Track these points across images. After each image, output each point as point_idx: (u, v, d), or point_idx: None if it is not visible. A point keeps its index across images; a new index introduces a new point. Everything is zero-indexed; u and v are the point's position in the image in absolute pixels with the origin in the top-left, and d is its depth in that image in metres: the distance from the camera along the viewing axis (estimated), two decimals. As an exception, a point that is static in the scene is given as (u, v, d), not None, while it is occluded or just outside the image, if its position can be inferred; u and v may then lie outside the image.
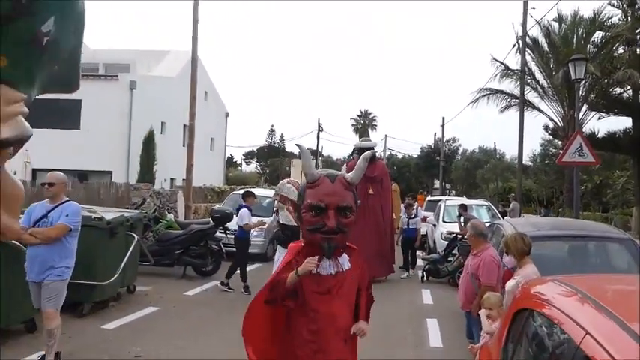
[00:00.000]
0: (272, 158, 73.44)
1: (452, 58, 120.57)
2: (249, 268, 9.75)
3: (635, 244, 5.31)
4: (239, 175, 57.00)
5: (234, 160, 78.66)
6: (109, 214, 7.41)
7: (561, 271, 4.95)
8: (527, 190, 28.58)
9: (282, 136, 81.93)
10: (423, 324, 7.61)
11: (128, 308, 7.59)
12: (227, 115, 37.00)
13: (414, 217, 11.58)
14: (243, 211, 9.19)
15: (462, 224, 11.16)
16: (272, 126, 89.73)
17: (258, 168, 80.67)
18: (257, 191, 14.43)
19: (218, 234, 10.99)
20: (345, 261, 2.79)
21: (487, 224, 11.40)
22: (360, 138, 64.77)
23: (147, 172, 17.00)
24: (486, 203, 14.44)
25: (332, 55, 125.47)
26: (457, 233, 10.99)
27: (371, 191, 11.04)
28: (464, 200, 16.57)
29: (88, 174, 21.61)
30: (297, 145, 3.18)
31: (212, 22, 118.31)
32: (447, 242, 11.55)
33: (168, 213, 11.49)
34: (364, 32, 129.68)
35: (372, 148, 11.45)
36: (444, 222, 12.99)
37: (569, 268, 5.32)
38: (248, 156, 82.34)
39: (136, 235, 7.50)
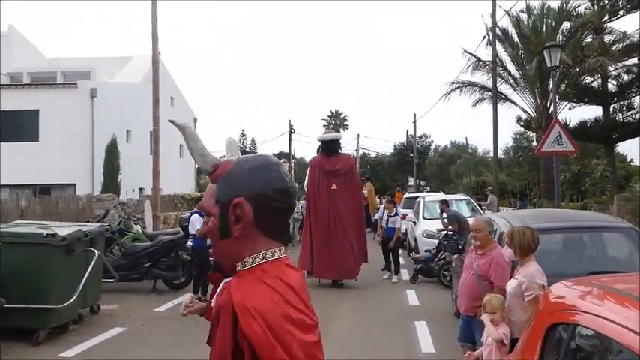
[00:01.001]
0: (244, 163, 72.38)
1: (421, 53, 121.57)
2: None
3: (637, 232, 4.94)
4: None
5: (205, 167, 77.29)
6: (65, 229, 6.72)
7: (559, 267, 4.56)
8: (501, 183, 28.57)
9: (253, 140, 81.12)
10: (411, 328, 7.14)
11: (91, 331, 6.92)
12: (195, 120, 36.12)
13: (393, 216, 10.88)
14: (195, 217, 8.62)
15: (445, 221, 10.76)
16: (243, 130, 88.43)
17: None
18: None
19: (189, 243, 10.39)
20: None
21: (469, 219, 11.20)
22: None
23: (111, 183, 16.15)
24: (465, 197, 14.15)
25: (300, 56, 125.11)
26: (448, 230, 10.59)
27: (334, 186, 10.25)
28: (442, 196, 16.27)
29: (49, 188, 20.52)
30: (170, 121, 1.76)
31: (175, 26, 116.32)
32: (431, 239, 11.15)
33: (135, 224, 10.77)
34: (331, 31, 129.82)
35: (337, 141, 10.81)
36: (424, 219, 12.60)
37: (567, 264, 4.92)
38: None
39: (96, 251, 6.83)
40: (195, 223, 8.41)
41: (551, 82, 11.79)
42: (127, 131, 25.12)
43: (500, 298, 3.97)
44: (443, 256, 10.01)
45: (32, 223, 7.04)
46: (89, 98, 22.06)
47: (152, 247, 9.27)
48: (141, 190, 26.41)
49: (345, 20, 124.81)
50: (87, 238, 6.86)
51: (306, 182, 10.83)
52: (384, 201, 12.99)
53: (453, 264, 7.51)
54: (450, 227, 10.69)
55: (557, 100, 11.98)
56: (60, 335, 6.62)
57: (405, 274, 11.18)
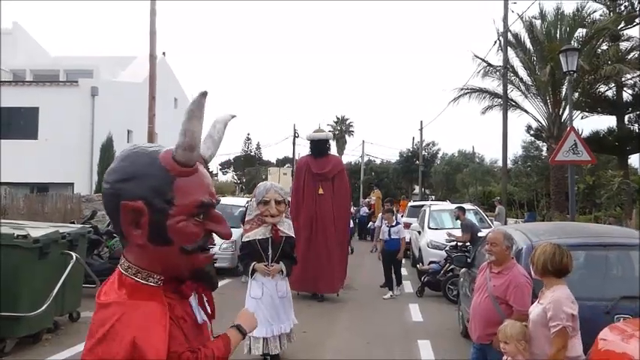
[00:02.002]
0: (248, 167, 72.34)
1: (430, 59, 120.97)
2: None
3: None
4: (214, 185, 55.58)
5: (211, 170, 77.30)
6: (41, 230, 6.20)
7: (584, 291, 3.93)
8: (508, 193, 27.91)
9: (258, 145, 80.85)
10: (414, 348, 6.55)
11: (66, 341, 6.37)
12: (199, 122, 35.66)
13: (394, 225, 9.73)
14: None
15: (462, 230, 10.01)
16: (248, 134, 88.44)
17: (235, 177, 79.58)
18: (229, 200, 13.38)
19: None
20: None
21: (480, 233, 10.54)
22: (335, 142, 64.03)
23: (105, 182, 15.63)
24: (473, 207, 13.54)
25: (306, 60, 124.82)
26: (457, 240, 9.97)
27: (320, 191, 9.32)
28: (448, 205, 15.68)
29: (48, 186, 20.09)
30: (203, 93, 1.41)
31: (183, 27, 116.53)
32: (437, 250, 10.55)
33: (124, 226, 10.21)
34: (339, 36, 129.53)
35: (327, 141, 9.87)
36: (429, 229, 12.00)
37: (593, 287, 4.33)
38: (225, 165, 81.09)
39: (74, 254, 6.29)
40: None
41: (566, 87, 11.15)
42: (129, 131, 24.73)
43: (518, 325, 3.39)
44: (449, 268, 9.43)
45: (8, 223, 6.52)
46: (90, 97, 21.69)
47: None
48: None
49: (352, 24, 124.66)
50: (65, 240, 6.33)
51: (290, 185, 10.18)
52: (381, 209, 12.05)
53: (461, 279, 6.92)
54: (457, 238, 10.07)
55: (572, 106, 11.31)
56: (32, 345, 6.10)
57: (409, 287, 10.58)
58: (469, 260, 6.41)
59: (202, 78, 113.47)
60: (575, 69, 10.61)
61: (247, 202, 13.75)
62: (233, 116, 1.67)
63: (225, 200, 13.11)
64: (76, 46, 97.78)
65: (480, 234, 9.98)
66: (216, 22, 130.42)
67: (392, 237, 9.57)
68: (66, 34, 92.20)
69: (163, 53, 31.99)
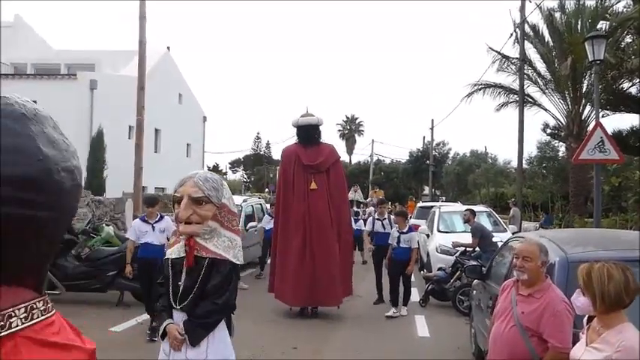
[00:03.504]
0: (258, 166, 71.83)
1: (442, 56, 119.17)
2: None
3: None
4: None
5: (220, 169, 76.92)
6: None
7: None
8: (522, 195, 26.84)
9: (268, 143, 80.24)
10: (419, 370, 5.68)
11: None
12: (205, 119, 35.04)
13: (406, 232, 8.16)
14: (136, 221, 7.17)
15: (471, 234, 9.05)
16: (258, 133, 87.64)
17: (245, 176, 79.22)
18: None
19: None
20: None
21: (495, 238, 9.62)
22: (345, 141, 63.09)
23: (94, 179, 14.83)
24: (487, 209, 12.58)
25: (317, 59, 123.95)
26: (466, 246, 9.07)
27: (313, 185, 7.95)
28: (459, 206, 14.73)
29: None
30: None
31: (193, 22, 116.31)
32: (447, 255, 9.65)
33: (107, 225, 9.46)
34: (350, 34, 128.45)
35: (318, 127, 8.23)
36: (439, 232, 11.08)
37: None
38: (234, 164, 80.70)
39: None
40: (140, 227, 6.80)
41: (592, 79, 10.19)
42: (130, 127, 24.04)
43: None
44: (460, 276, 8.52)
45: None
46: (89, 90, 21.02)
47: (119, 252, 7.93)
48: (143, 189, 25.31)
49: (362, 21, 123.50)
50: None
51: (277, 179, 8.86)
52: (389, 210, 10.34)
53: (474, 290, 6.02)
54: (464, 244, 9.16)
55: (588, 108, 10.33)
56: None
57: (415, 294, 9.58)
58: (484, 271, 5.51)
59: (210, 75, 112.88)
60: (601, 58, 9.62)
61: (244, 202, 13.04)
62: None
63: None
64: (79, 40, 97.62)
65: (494, 239, 9.10)
66: (225, 19, 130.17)
67: (401, 245, 8.06)
68: (70, 28, 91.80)
69: (168, 48, 31.34)
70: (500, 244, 9.03)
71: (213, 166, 76.00)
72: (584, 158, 9.44)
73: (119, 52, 28.35)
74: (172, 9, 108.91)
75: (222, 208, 2.67)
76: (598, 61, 9.56)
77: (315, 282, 7.68)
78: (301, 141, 8.25)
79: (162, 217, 6.77)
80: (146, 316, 7.52)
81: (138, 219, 7.07)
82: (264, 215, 12.43)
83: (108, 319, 7.29)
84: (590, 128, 17.71)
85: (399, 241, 8.06)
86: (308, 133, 8.16)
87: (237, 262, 2.69)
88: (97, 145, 15.22)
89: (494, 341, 3.13)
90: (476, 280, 6.02)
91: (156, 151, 27.96)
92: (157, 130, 27.95)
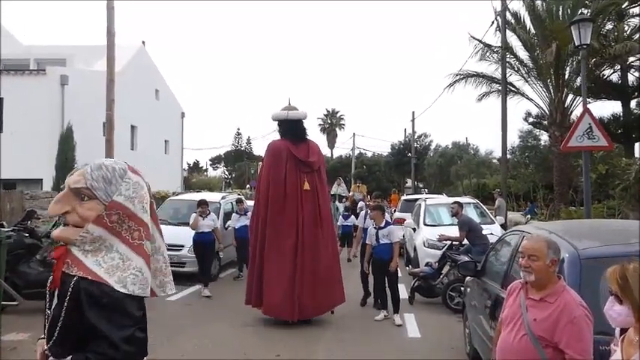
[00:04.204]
0: (239, 162, 71.00)
1: (422, 47, 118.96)
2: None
3: None
4: (203, 180, 54.30)
5: (200, 165, 75.90)
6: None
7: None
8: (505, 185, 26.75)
9: (249, 139, 79.39)
10: (411, 374, 5.31)
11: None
12: (183, 115, 34.31)
13: (384, 227, 7.38)
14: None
15: (459, 227, 8.68)
16: (238, 129, 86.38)
17: (226, 173, 78.28)
18: (204, 195, 12.02)
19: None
20: None
21: (485, 230, 9.30)
22: (326, 135, 62.63)
23: (64, 177, 14.12)
24: (473, 200, 12.27)
25: (296, 53, 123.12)
26: (454, 239, 8.72)
27: (307, 186, 7.27)
28: (445, 198, 14.45)
29: (14, 183, 18.62)
30: None
31: (168, 18, 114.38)
32: (434, 250, 9.31)
33: (75, 227, 8.87)
34: (328, 26, 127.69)
35: (301, 122, 7.56)
36: (425, 225, 10.74)
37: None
38: (215, 160, 79.71)
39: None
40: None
41: (579, 64, 9.92)
42: (104, 123, 23.26)
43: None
44: (450, 271, 8.18)
45: None
46: (59, 86, 20.15)
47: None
48: (119, 188, 24.52)
49: (339, 13, 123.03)
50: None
51: (260, 175, 7.82)
52: (366, 205, 9.33)
53: (467, 289, 5.66)
54: (451, 238, 8.82)
55: (585, 84, 10.07)
56: None
57: (403, 291, 9.16)
58: (479, 267, 5.15)
59: (188, 70, 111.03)
60: (588, 42, 9.35)
61: (222, 199, 12.54)
62: None
63: (197, 196, 11.78)
64: (50, 35, 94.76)
65: (484, 231, 8.80)
66: (203, 13, 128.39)
67: (381, 241, 7.32)
68: (40, 22, 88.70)
69: (143, 42, 30.51)
70: (489, 237, 8.81)
71: (194, 162, 74.94)
72: (572, 145, 9.16)
73: (92, 47, 27.38)
74: (148, 4, 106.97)
75: (113, 208, 1.69)
76: (585, 46, 9.28)
77: (315, 290, 7.04)
78: (290, 136, 7.46)
79: None
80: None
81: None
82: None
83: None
84: (573, 116, 17.70)
85: (377, 238, 7.33)
86: (297, 127, 7.48)
87: (124, 291, 1.61)
88: (66, 142, 14.43)
89: (502, 352, 2.74)
90: (469, 278, 5.68)
91: (132, 148, 27.19)
92: (133, 127, 27.17)
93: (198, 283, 9.33)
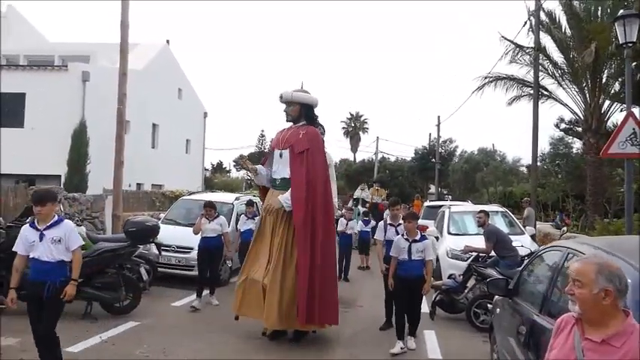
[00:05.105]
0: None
1: (449, 51, 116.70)
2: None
3: None
4: (225, 181, 54.40)
5: (224, 166, 76.08)
6: None
7: None
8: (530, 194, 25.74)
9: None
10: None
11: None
12: (205, 115, 34.20)
13: (419, 240, 6.33)
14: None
15: (485, 238, 7.98)
16: (262, 131, 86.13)
17: (248, 174, 78.10)
18: (214, 196, 11.54)
19: (145, 253, 8.18)
20: None
21: (514, 242, 8.56)
22: (349, 139, 61.95)
23: (76, 174, 13.84)
24: (502, 209, 11.53)
25: (320, 55, 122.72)
26: (480, 251, 8.06)
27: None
28: (470, 206, 13.71)
29: (34, 178, 18.54)
30: None
31: (193, 18, 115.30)
32: (459, 261, 8.66)
33: (78, 225, 8.48)
34: (353, 30, 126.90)
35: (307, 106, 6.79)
36: (449, 234, 10.08)
37: None
38: (238, 162, 79.83)
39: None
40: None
41: (626, 62, 9.10)
42: (126, 122, 23.12)
43: None
44: (475, 286, 7.52)
45: None
46: (81, 82, 20.06)
47: (84, 257, 6.92)
48: (139, 185, 24.40)
49: (365, 16, 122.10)
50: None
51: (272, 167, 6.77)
52: (391, 213, 7.50)
53: (497, 309, 5.01)
54: (477, 250, 8.14)
55: (630, 87, 9.28)
56: None
57: (423, 305, 8.45)
58: (511, 286, 4.50)
59: (212, 70, 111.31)
60: (634, 40, 8.58)
61: (236, 200, 12.06)
62: None
63: (212, 196, 11.31)
64: (76, 32, 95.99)
65: (515, 243, 8.10)
66: (228, 14, 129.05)
67: (414, 257, 6.26)
68: (66, 20, 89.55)
69: (167, 41, 30.48)
70: (520, 249, 8.12)
71: (217, 163, 75.13)
72: (614, 152, 8.43)
73: (116, 45, 27.44)
74: (174, 3, 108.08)
75: None
76: (630, 44, 8.52)
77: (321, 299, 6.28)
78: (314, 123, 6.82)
79: (59, 221, 4.82)
80: (114, 332, 6.59)
81: (27, 224, 5.01)
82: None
83: (69, 335, 6.31)
84: (610, 123, 16.74)
85: (409, 253, 6.25)
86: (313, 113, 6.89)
87: None
88: (79, 138, 14.12)
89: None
90: (496, 297, 5.03)
91: (153, 147, 27.08)
92: (154, 125, 27.08)
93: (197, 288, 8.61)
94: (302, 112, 6.68)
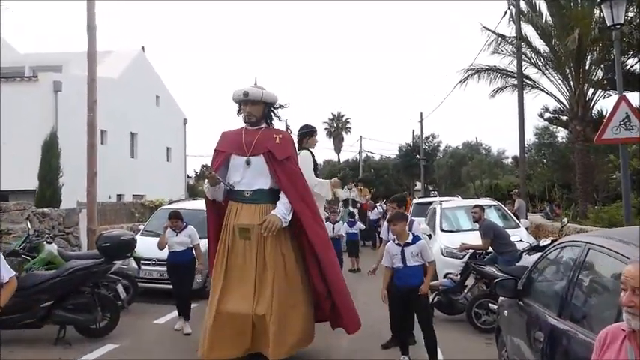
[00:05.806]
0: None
1: (429, 46, 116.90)
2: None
3: None
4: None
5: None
6: None
7: None
8: (517, 185, 25.66)
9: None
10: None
11: None
12: (185, 121, 33.57)
13: (412, 242, 5.49)
14: None
15: (482, 234, 7.63)
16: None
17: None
18: (199, 204, 11.03)
19: (124, 268, 7.67)
20: None
21: (512, 236, 8.21)
22: (332, 139, 61.68)
23: (48, 188, 13.22)
24: (494, 202, 11.24)
25: (299, 56, 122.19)
26: (477, 248, 7.71)
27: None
28: (460, 201, 13.42)
29: (7, 195, 17.78)
30: None
31: (169, 23, 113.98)
32: (453, 259, 8.31)
33: (49, 243, 7.95)
34: (331, 27, 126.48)
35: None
36: (442, 231, 9.73)
37: None
38: (219, 168, 78.87)
39: None
40: None
41: (615, 44, 8.85)
42: (102, 131, 22.42)
43: None
44: (475, 284, 7.16)
45: None
46: (52, 93, 19.42)
47: (55, 277, 6.44)
48: (119, 197, 23.72)
49: (343, 14, 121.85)
50: None
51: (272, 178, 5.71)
52: (381, 212, 7.32)
53: (505, 311, 4.63)
54: (475, 247, 7.80)
55: (620, 69, 9.03)
56: None
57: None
58: (519, 287, 4.12)
59: (190, 76, 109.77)
60: (622, 22, 8.34)
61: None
62: None
63: (194, 204, 10.81)
64: (48, 43, 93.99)
65: (513, 237, 7.77)
66: (205, 17, 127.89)
67: (409, 263, 5.42)
68: (37, 30, 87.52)
69: (142, 48, 29.82)
70: (517, 244, 7.79)
71: (200, 170, 74.31)
72: (608, 138, 8.15)
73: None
74: (148, 9, 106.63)
75: None
76: (618, 25, 8.26)
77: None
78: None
79: None
80: (96, 353, 6.08)
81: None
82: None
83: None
84: (595, 110, 16.60)
85: (403, 259, 5.41)
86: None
87: None
88: (50, 150, 13.45)
89: None
90: (502, 299, 4.66)
91: (133, 157, 26.42)
92: (133, 134, 26.43)
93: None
94: (264, 112, 5.86)
